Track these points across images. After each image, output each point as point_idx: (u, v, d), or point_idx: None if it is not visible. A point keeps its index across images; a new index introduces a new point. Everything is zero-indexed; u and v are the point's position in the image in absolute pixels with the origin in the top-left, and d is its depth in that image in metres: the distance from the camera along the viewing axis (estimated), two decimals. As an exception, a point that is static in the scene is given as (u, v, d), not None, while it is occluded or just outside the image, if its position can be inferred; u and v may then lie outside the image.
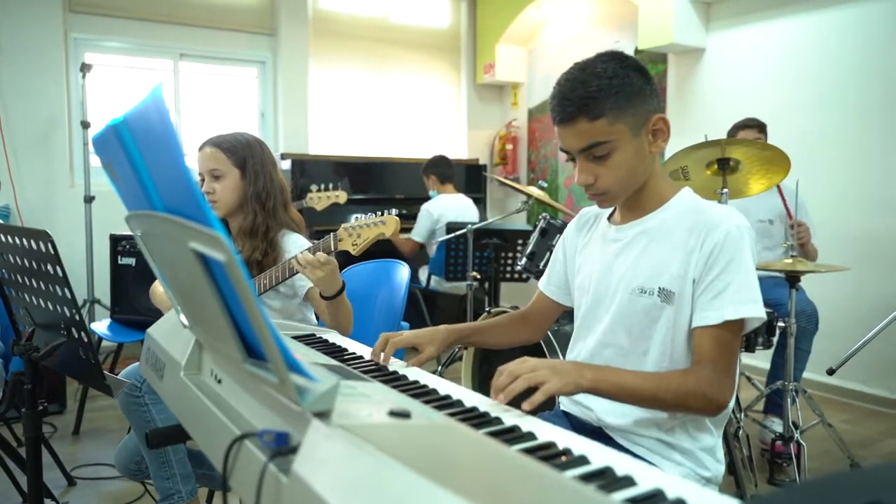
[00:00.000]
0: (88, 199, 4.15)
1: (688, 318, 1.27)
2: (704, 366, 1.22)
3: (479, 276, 3.69)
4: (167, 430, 1.26)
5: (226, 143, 1.94)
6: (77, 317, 1.49)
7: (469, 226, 3.61)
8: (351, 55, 5.63)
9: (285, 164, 5.06)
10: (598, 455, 0.86)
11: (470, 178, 5.76)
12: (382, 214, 1.74)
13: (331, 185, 4.23)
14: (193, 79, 5.08)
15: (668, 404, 1.21)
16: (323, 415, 0.76)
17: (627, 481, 0.79)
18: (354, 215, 1.80)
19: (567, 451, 0.88)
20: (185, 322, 1.15)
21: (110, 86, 4.75)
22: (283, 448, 0.79)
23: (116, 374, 1.81)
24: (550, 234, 2.94)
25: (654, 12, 4.47)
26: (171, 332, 1.35)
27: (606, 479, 0.80)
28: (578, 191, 5.55)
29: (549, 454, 0.87)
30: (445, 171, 4.62)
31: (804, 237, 2.99)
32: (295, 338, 1.52)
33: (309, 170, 5.06)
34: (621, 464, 0.83)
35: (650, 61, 4.84)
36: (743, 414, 2.77)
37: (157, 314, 2.21)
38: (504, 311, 2.85)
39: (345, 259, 1.91)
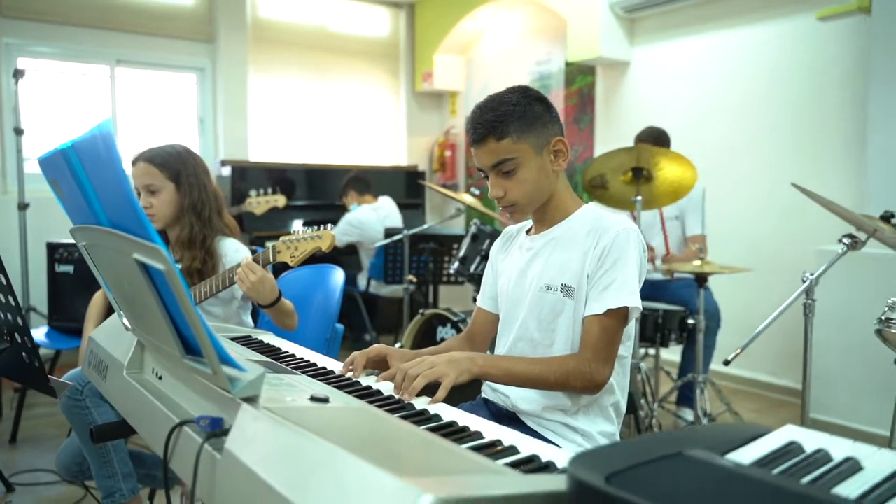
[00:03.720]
0: (23, 206, 4.11)
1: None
2: (586, 349, 1.40)
3: (414, 280, 3.83)
4: (111, 426, 1.36)
5: (158, 157, 2.02)
6: (21, 322, 1.56)
7: (404, 231, 3.75)
8: (291, 63, 5.70)
9: (225, 171, 5.10)
10: (491, 431, 1.02)
11: (409, 184, 5.90)
12: (319, 228, 1.85)
13: (269, 190, 4.32)
14: (130, 85, 5.07)
15: (552, 384, 1.39)
16: (251, 400, 0.89)
17: (512, 450, 0.94)
18: (295, 222, 1.91)
19: (465, 429, 1.03)
20: (128, 325, 1.26)
21: (44, 91, 4.71)
22: (217, 430, 0.91)
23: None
24: (481, 239, 3.10)
25: (581, 27, 4.70)
26: (113, 336, 1.44)
27: (495, 449, 0.95)
28: (514, 196, 5.74)
29: (449, 431, 1.02)
30: (360, 186, 4.80)
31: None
32: (232, 339, 1.64)
33: (249, 176, 5.11)
34: (508, 437, 0.99)
35: (580, 73, 5.08)
36: (657, 405, 2.99)
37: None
38: (436, 313, 3.00)
39: (283, 264, 2.02)
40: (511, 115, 1.42)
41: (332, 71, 5.90)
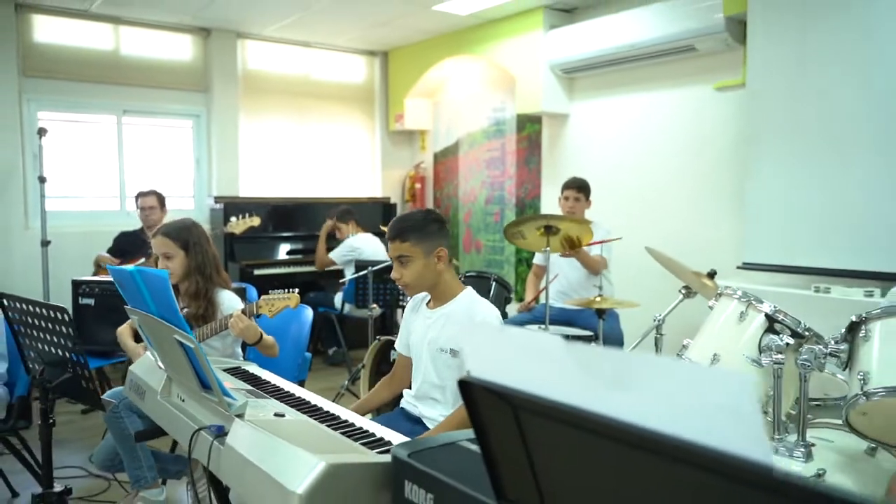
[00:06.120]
0: (45, 244, 4.81)
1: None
2: None
3: (375, 307, 4.54)
4: (148, 431, 2.08)
5: (173, 232, 2.72)
6: (81, 360, 2.27)
7: (370, 266, 4.48)
8: (277, 108, 6.42)
9: (218, 206, 5.80)
10: (382, 432, 1.73)
11: (384, 215, 6.62)
12: (288, 292, 2.57)
13: (247, 214, 5.02)
14: (135, 131, 5.78)
15: None
16: (240, 415, 1.61)
17: (389, 442, 1.66)
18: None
19: (366, 431, 1.74)
20: (162, 366, 1.97)
21: (60, 139, 5.41)
22: (221, 433, 1.63)
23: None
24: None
25: (527, 83, 5.45)
26: (148, 370, 2.17)
27: (378, 441, 1.66)
28: (476, 225, 6.49)
29: (356, 432, 1.74)
30: (359, 218, 5.57)
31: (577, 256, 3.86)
32: (225, 370, 2.35)
33: (239, 210, 5.79)
34: (389, 435, 1.70)
35: (528, 121, 5.83)
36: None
37: (112, 346, 3.04)
38: (390, 339, 3.71)
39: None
40: (412, 229, 2.15)
41: (314, 114, 6.63)
